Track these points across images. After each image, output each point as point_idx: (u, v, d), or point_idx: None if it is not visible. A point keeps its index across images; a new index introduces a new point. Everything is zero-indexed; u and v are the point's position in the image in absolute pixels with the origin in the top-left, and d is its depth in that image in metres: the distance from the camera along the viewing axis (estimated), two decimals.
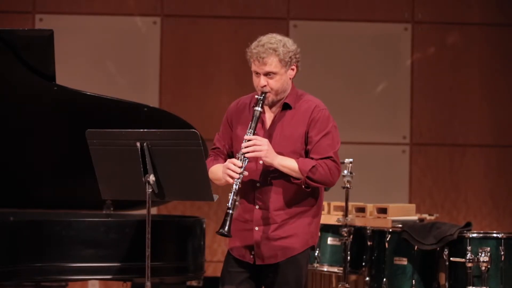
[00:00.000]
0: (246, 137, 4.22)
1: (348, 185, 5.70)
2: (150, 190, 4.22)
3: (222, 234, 4.17)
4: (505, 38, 8.61)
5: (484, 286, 5.25)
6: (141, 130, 4.26)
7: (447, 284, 5.40)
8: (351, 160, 5.69)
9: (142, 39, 8.49)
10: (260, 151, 4.18)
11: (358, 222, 5.88)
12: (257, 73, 4.29)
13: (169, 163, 4.23)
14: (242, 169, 4.18)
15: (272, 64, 4.25)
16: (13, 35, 5.10)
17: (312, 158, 4.28)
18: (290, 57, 4.30)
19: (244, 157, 4.19)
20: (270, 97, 4.30)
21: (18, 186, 5.94)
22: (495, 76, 8.60)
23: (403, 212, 5.95)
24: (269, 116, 4.38)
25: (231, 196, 4.17)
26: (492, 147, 8.59)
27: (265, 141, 4.21)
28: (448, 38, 8.61)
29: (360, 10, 8.56)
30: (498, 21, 8.61)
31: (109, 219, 5.79)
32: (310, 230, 4.38)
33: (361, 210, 5.93)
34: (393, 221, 5.76)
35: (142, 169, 4.22)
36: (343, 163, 5.69)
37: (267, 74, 4.26)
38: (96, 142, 4.33)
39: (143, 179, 4.22)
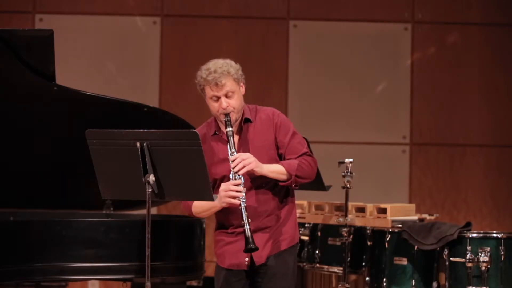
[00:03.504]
0: (231, 158, 4.37)
1: (348, 185, 5.69)
2: (150, 190, 4.22)
3: (251, 249, 4.30)
4: (505, 38, 8.61)
5: (484, 286, 5.24)
6: (141, 130, 4.26)
7: (447, 284, 5.40)
8: (351, 160, 5.68)
9: (142, 39, 8.50)
10: (250, 163, 4.35)
11: (358, 222, 5.88)
12: (216, 98, 4.46)
13: (169, 163, 4.23)
14: (242, 186, 4.33)
15: (230, 83, 4.46)
16: (13, 35, 5.09)
17: (289, 159, 4.51)
18: (240, 75, 4.52)
19: (238, 175, 4.35)
20: (234, 116, 4.48)
21: (18, 186, 5.94)
22: (495, 76, 8.61)
23: (403, 212, 5.95)
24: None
25: (243, 214, 4.31)
26: (492, 147, 8.59)
27: (248, 154, 4.40)
28: (448, 38, 8.62)
29: (360, 10, 8.57)
30: (498, 21, 8.61)
31: (109, 219, 5.79)
32: (294, 226, 4.62)
33: (361, 210, 5.93)
34: (393, 221, 5.76)
35: (142, 169, 4.22)
36: (343, 163, 5.69)
37: (226, 95, 4.45)
38: (96, 142, 4.33)
39: (143, 179, 4.22)
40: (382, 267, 5.63)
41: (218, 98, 4.45)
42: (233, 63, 4.52)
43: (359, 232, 5.82)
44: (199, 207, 4.52)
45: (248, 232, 4.28)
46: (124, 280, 5.62)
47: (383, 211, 5.83)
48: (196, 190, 4.27)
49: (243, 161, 4.33)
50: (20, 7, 8.45)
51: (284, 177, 4.43)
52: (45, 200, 6.06)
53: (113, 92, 6.44)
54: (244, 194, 4.32)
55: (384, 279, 5.61)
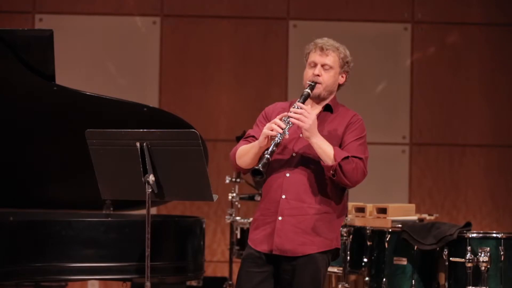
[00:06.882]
0: (297, 103, 4.28)
1: None
2: (150, 190, 4.23)
3: (256, 171, 4.15)
4: (505, 38, 8.61)
5: (484, 286, 5.24)
6: (141, 130, 4.27)
7: (446, 284, 5.40)
8: None
9: (142, 39, 8.50)
10: (304, 122, 4.24)
11: (358, 222, 5.88)
12: (314, 64, 4.42)
13: (169, 163, 4.23)
14: (285, 129, 4.22)
15: (333, 58, 4.46)
16: (13, 35, 5.10)
17: None
18: (347, 62, 4.51)
19: (288, 121, 4.24)
20: (319, 89, 4.42)
21: (18, 186, 5.94)
22: (495, 76, 8.61)
23: (403, 212, 5.95)
24: None
25: (272, 145, 4.20)
26: (492, 147, 8.59)
27: (313, 116, 4.27)
28: (448, 38, 8.61)
29: (360, 10, 8.56)
30: (498, 21, 8.61)
31: (109, 219, 5.80)
32: (332, 231, 4.39)
33: (361, 210, 5.93)
34: (393, 221, 5.76)
35: (142, 169, 4.23)
36: None
37: (324, 66, 4.42)
38: (96, 142, 4.33)
39: (143, 179, 4.22)
40: (382, 267, 5.64)
41: (316, 65, 4.41)
42: (348, 51, 4.55)
43: (359, 232, 5.82)
44: (242, 150, 4.37)
45: (267, 155, 4.17)
46: (124, 280, 5.62)
47: (383, 211, 5.83)
48: (196, 190, 4.27)
49: (302, 115, 4.22)
50: (20, 7, 8.45)
51: (328, 159, 4.27)
52: (45, 200, 6.06)
53: (113, 92, 6.44)
54: (284, 133, 4.20)
55: (384, 279, 5.61)
